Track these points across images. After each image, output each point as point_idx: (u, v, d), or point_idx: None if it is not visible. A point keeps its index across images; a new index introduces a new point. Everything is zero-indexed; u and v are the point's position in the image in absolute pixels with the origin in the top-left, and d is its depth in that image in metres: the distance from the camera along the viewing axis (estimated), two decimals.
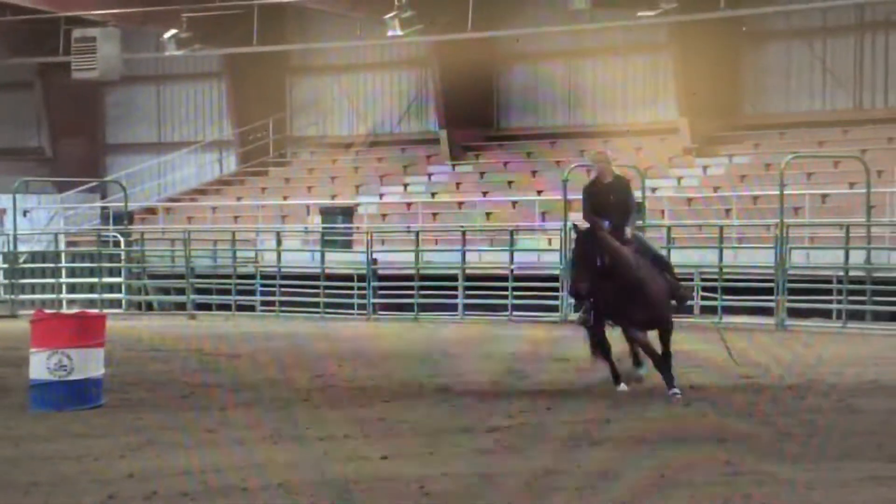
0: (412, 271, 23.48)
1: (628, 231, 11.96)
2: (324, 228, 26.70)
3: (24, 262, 26.82)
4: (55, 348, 10.89)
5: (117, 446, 9.15)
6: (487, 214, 27.07)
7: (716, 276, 20.95)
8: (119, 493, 7.50)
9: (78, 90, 33.04)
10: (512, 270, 22.63)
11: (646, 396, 11.80)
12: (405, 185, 29.52)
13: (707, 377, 13.13)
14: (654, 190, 25.16)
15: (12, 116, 35.48)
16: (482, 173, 29.02)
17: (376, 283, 23.59)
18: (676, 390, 11.59)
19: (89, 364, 11.01)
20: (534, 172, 28.21)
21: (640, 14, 25.74)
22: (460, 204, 27.81)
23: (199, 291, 25.10)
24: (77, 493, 7.54)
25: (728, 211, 24.33)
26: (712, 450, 8.95)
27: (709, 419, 10.52)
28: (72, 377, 10.89)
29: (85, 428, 9.97)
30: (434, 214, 27.34)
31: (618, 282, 11.69)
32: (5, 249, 27.53)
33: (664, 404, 11.32)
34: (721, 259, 21.15)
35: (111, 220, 29.40)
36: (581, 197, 12.45)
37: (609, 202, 12.03)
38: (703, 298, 20.76)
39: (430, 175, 29.68)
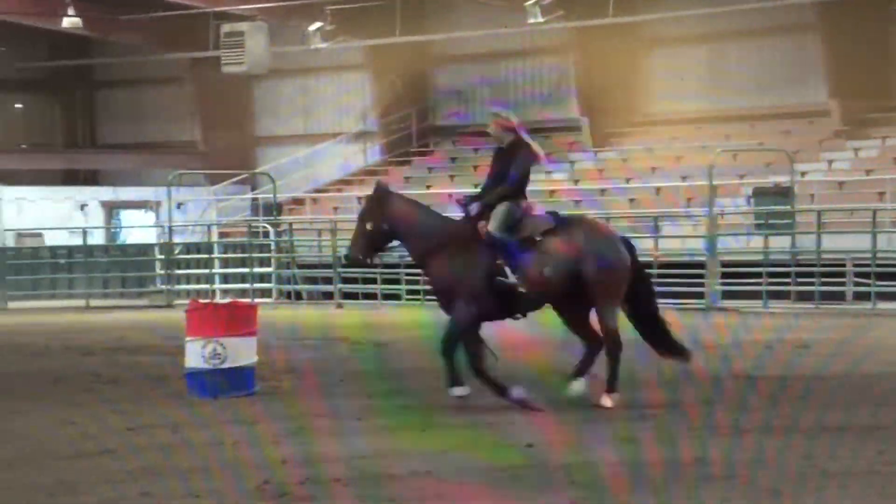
0: None
1: (474, 207, 10.44)
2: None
3: (179, 253, 27.50)
4: (210, 337, 11.16)
5: (270, 433, 9.32)
6: (631, 200, 26.88)
7: (869, 262, 20.45)
8: (273, 478, 7.64)
9: (227, 84, 33.73)
10: (656, 257, 22.40)
11: (798, 387, 11.59)
12: (548, 173, 29.47)
13: (846, 365, 12.85)
14: (803, 174, 24.66)
15: (166, 111, 36.44)
16: (624, 159, 28.82)
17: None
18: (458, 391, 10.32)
19: (242, 352, 11.25)
20: (678, 158, 27.90)
21: None
22: (603, 191, 27.66)
23: (346, 280, 25.43)
24: (234, 479, 7.69)
25: (881, 194, 23.72)
26: (863, 440, 8.76)
27: (861, 410, 10.29)
28: (226, 365, 11.15)
29: (239, 415, 10.18)
30: (576, 202, 27.25)
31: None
32: (161, 241, 28.30)
33: (820, 394, 11.10)
34: (874, 244, 20.63)
35: (261, 211, 29.99)
36: None
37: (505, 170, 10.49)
38: (857, 285, 20.29)
39: (572, 162, 29.59)
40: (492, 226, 10.36)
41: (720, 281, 21.54)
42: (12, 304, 25.84)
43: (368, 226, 10.78)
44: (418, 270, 24.32)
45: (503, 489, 7.43)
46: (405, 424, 9.66)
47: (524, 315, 10.71)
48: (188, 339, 11.33)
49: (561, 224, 10.50)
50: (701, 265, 21.65)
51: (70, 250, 27.90)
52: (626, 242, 10.70)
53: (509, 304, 10.46)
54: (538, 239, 10.38)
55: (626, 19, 27.69)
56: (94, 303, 26.30)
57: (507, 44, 31.30)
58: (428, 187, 30.45)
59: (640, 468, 7.99)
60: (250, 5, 30.55)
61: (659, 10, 28.17)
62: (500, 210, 10.42)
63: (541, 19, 27.38)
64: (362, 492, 7.37)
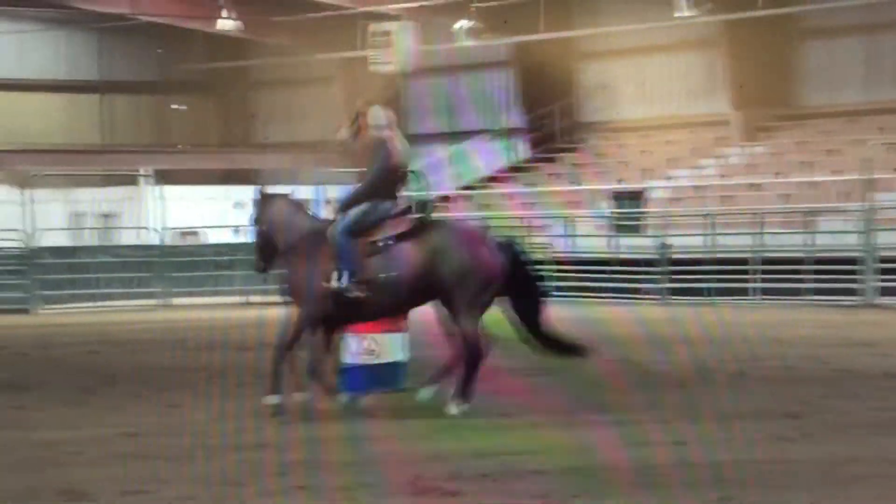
0: (705, 255, 23.16)
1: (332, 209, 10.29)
2: (614, 213, 26.66)
3: None
4: (363, 333, 11.33)
5: (421, 428, 9.45)
6: (782, 196, 26.39)
7: None
8: (424, 472, 7.74)
9: (375, 83, 34.14)
10: (811, 253, 22.00)
11: None
12: (695, 168, 29.13)
13: None
14: None
15: (317, 110, 37.06)
16: (776, 154, 28.30)
17: (668, 268, 23.40)
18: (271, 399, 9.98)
19: (394, 348, 11.40)
20: (831, 151, 27.29)
21: None
22: (753, 186, 27.21)
23: None
24: (385, 472, 7.82)
25: None
26: None
27: None
28: (378, 361, 11.31)
29: (390, 410, 10.32)
30: (725, 197, 26.87)
31: None
32: None
33: None
34: None
35: (413, 208, 30.25)
36: None
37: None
38: None
39: (721, 157, 29.18)
40: (332, 229, 10.08)
41: (878, 277, 21.02)
42: (174, 301, 26.61)
43: (258, 231, 10.61)
44: (566, 267, 24.44)
45: (651, 486, 7.41)
46: (553, 421, 9.67)
47: (373, 320, 10.39)
48: (344, 334, 11.51)
49: (418, 228, 10.10)
50: (856, 261, 21.15)
51: (228, 247, 28.57)
52: (505, 246, 10.27)
53: (355, 311, 10.15)
54: (389, 244, 10.02)
55: (777, 11, 27.19)
56: (250, 299, 26.92)
57: (654, 38, 31.01)
58: (571, 183, 30.35)
59: (790, 466, 7.86)
60: (398, 5, 30.87)
61: (812, 2, 27.60)
62: (353, 212, 10.12)
63: (689, 13, 27.07)
64: (510, 487, 7.40)
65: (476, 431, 9.31)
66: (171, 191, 31.82)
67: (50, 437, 9.33)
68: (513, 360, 13.91)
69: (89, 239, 30.23)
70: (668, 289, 23.33)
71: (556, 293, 24.17)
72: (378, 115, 10.30)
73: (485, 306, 10.12)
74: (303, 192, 33.09)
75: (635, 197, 27.69)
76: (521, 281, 10.23)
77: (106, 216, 32.42)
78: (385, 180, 10.20)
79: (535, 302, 10.31)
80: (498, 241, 10.30)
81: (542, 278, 10.84)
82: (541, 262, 24.94)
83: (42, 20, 35.79)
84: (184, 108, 37.78)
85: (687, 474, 7.68)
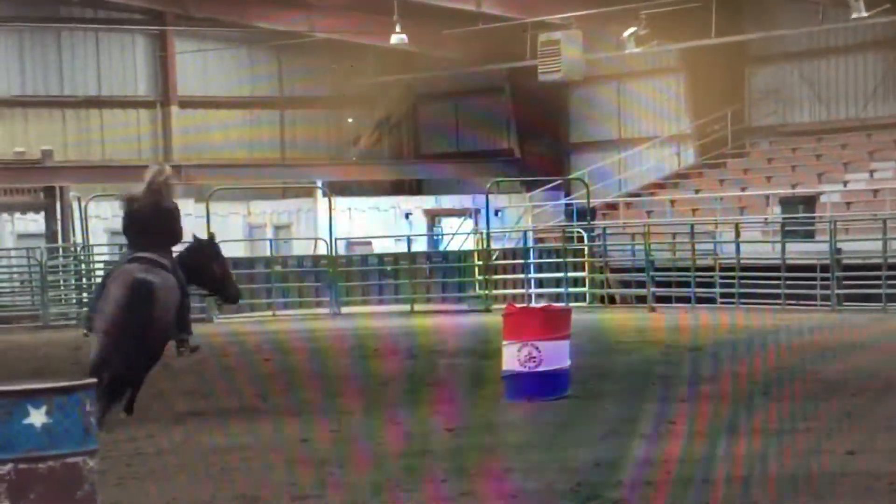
0: (879, 260, 22.46)
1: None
2: (784, 219, 26.10)
3: (496, 258, 28.03)
4: (525, 340, 11.35)
5: (584, 436, 9.39)
6: None
7: None
8: (587, 480, 7.69)
9: (543, 92, 34.12)
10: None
11: None
12: (871, 172, 28.30)
13: None
14: None
15: (483, 121, 37.28)
16: None
17: (841, 274, 22.76)
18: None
19: (557, 356, 11.38)
20: None
21: None
22: None
23: (659, 284, 25.22)
24: (549, 480, 7.80)
25: None
26: None
27: None
28: (541, 368, 11.31)
29: (553, 418, 10.30)
30: None
31: None
32: (479, 247, 28.93)
33: None
34: None
35: (574, 217, 30.17)
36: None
37: None
38: None
39: None
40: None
41: None
42: (344, 310, 27.07)
43: None
44: (732, 273, 24.01)
45: (820, 497, 7.24)
46: (719, 429, 9.51)
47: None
48: (505, 342, 11.56)
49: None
50: None
51: (396, 257, 28.92)
52: (133, 287, 10.57)
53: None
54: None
55: None
56: (417, 307, 27.20)
57: (827, 40, 30.26)
58: (743, 189, 29.82)
59: None
60: (566, 14, 30.77)
61: None
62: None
63: (865, 13, 26.22)
64: (674, 496, 7.32)
65: (641, 439, 9.22)
66: (343, 202, 32.39)
67: (225, 444, 9.56)
68: (679, 368, 13.76)
69: (265, 250, 30.97)
70: (841, 295, 22.71)
71: (724, 299, 23.98)
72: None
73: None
74: (469, 201, 33.43)
75: (807, 202, 27.00)
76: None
77: (282, 227, 33.21)
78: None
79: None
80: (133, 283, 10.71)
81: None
82: (708, 269, 24.69)
83: (225, 39, 36.87)
84: (351, 121, 38.45)
85: (858, 485, 7.47)
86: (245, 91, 37.51)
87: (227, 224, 31.64)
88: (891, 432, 9.22)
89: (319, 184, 32.42)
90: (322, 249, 28.82)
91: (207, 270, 11.66)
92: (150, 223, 10.97)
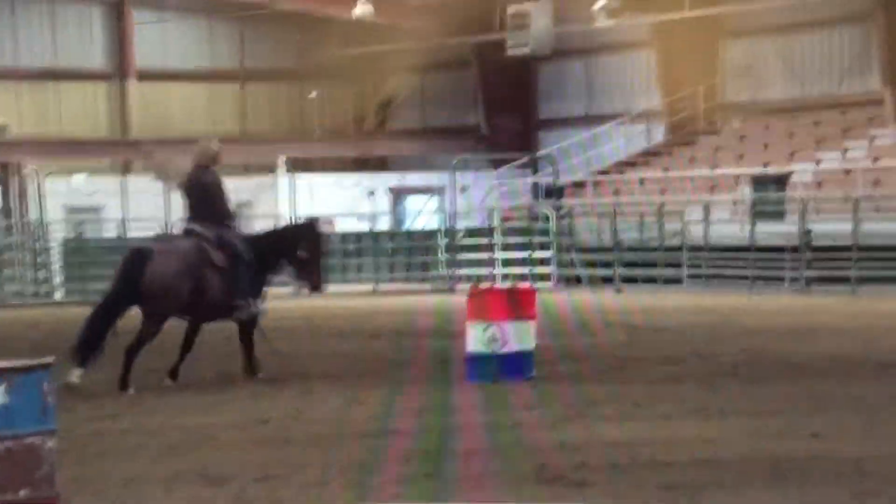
0: (849, 242, 22.74)
1: None
2: (755, 198, 26.32)
3: (462, 237, 28.12)
4: (489, 321, 11.48)
5: (548, 417, 9.52)
6: None
7: None
8: (550, 462, 7.82)
9: (511, 67, 34.11)
10: None
11: None
12: (844, 151, 28.54)
13: None
14: None
15: (451, 96, 37.24)
16: None
17: (810, 255, 23.03)
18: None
19: (521, 337, 11.52)
20: None
21: None
22: None
23: (626, 265, 25.41)
24: (512, 462, 7.92)
25: None
26: None
27: None
28: (505, 350, 11.44)
29: (517, 399, 10.42)
30: (875, 181, 26.28)
31: None
32: (444, 226, 29.02)
33: None
34: None
35: (542, 195, 30.29)
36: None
37: None
38: None
39: (872, 138, 28.50)
40: None
41: None
42: (305, 290, 27.08)
43: None
44: (700, 254, 24.19)
45: (785, 479, 7.37)
46: (686, 411, 9.68)
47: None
48: (469, 323, 11.68)
49: None
50: None
51: (359, 237, 28.96)
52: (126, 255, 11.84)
53: None
54: None
55: None
56: (380, 287, 27.29)
57: (803, 14, 30.27)
58: (713, 168, 30.00)
59: None
60: None
61: None
62: None
63: None
64: (638, 478, 7.44)
65: (605, 421, 9.36)
66: (305, 178, 32.33)
67: (188, 423, 9.68)
68: (645, 349, 13.96)
69: None
70: (810, 277, 22.98)
71: (692, 279, 24.19)
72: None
73: None
74: (434, 179, 33.46)
75: (778, 181, 27.21)
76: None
77: (242, 205, 33.06)
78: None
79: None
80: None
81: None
82: (676, 249, 24.90)
83: (185, 9, 36.59)
84: (319, 95, 38.28)
85: (824, 468, 7.62)
86: (205, 63, 37.29)
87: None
88: (856, 415, 9.39)
89: (281, 160, 32.31)
90: None
91: (287, 254, 12.09)
92: (192, 198, 12.02)
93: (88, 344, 11.37)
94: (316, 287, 12.30)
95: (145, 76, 36.13)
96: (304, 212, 29.99)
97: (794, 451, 8.06)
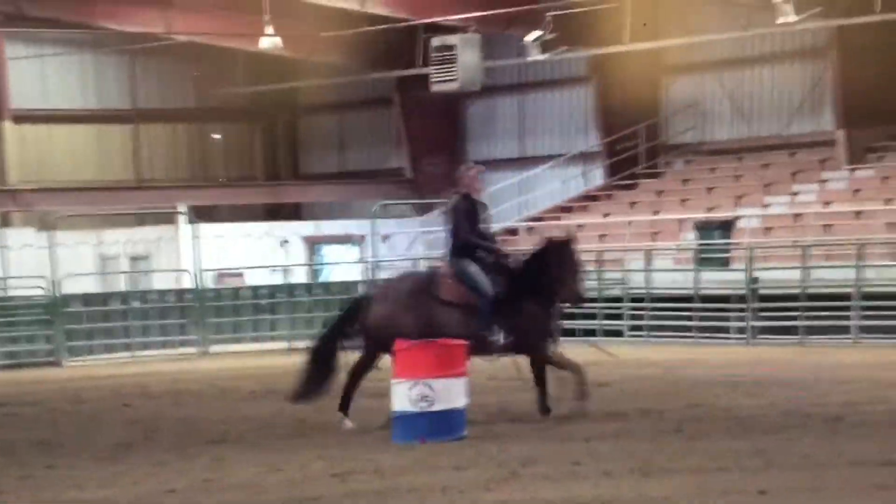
0: (798, 290, 23.36)
1: None
2: (699, 245, 26.84)
3: None
4: (417, 378, 11.79)
5: (481, 478, 9.83)
6: (892, 225, 26.41)
7: None
8: None
9: (437, 105, 34.36)
10: None
11: None
12: (794, 194, 29.15)
13: None
14: None
15: (371, 136, 37.38)
16: (886, 177, 28.26)
17: (757, 304, 23.61)
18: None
19: (452, 394, 11.84)
20: None
21: None
22: (858, 213, 27.24)
23: (564, 316, 25.73)
24: None
25: None
26: None
27: None
28: (434, 408, 11.75)
29: (449, 460, 10.73)
30: (826, 226, 26.94)
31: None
32: (366, 278, 29.27)
33: None
34: None
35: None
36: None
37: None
38: None
39: (823, 182, 29.13)
40: None
41: None
42: (214, 348, 27.24)
43: None
44: (642, 304, 24.47)
45: None
46: (628, 469, 10.04)
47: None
48: (394, 381, 11.99)
49: None
50: None
51: (271, 290, 29.12)
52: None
53: None
54: None
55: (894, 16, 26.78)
56: (297, 344, 27.42)
57: (752, 48, 30.74)
58: (655, 213, 30.44)
59: None
60: (462, 15, 30.55)
61: None
62: None
63: (794, 18, 26.45)
64: None
65: (542, 481, 9.69)
66: (209, 229, 32.38)
67: (82, 497, 9.79)
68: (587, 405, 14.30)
69: (121, 284, 30.92)
70: (757, 327, 23.55)
71: (633, 332, 24.58)
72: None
73: None
74: (354, 227, 33.66)
75: (724, 227, 27.72)
76: None
77: (138, 259, 33.03)
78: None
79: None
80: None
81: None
82: (616, 300, 25.28)
83: (67, 43, 36.17)
84: (222, 137, 38.30)
85: None
86: (92, 103, 36.96)
87: (75, 255, 31.44)
88: (804, 472, 9.81)
89: (181, 209, 32.28)
90: (186, 282, 28.93)
91: (541, 275, 13.12)
92: (448, 226, 13.54)
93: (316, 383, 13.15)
94: (572, 299, 13.54)
95: (23, 118, 35.36)
96: (211, 265, 30.11)
97: None
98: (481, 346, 12.96)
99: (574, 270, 13.20)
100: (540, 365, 13.16)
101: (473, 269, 13.08)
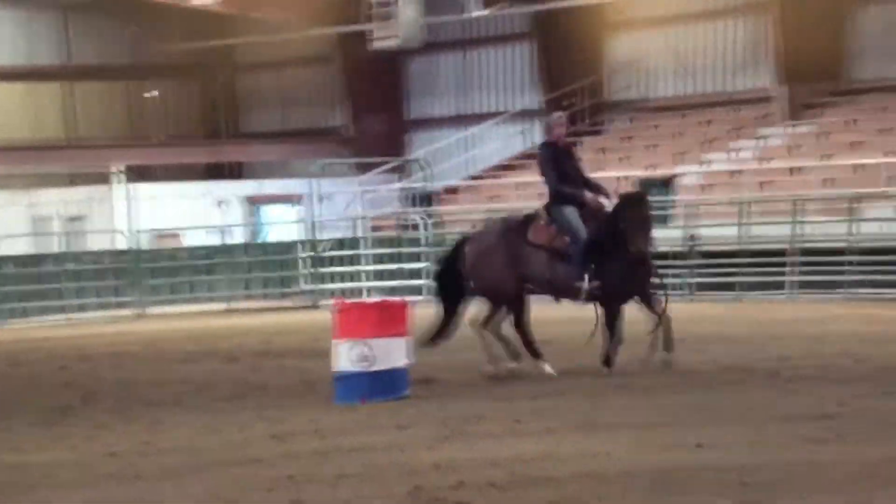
0: (736, 247, 23.59)
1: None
2: None
3: (325, 250, 28.36)
4: (357, 339, 11.82)
5: (423, 437, 9.90)
6: (828, 181, 26.68)
7: None
8: (426, 483, 8.17)
9: (377, 62, 34.30)
10: (855, 243, 22.43)
11: None
12: (732, 151, 29.37)
13: None
14: None
15: (311, 94, 37.27)
16: (822, 133, 28.52)
17: (695, 261, 23.82)
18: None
19: (393, 354, 11.88)
20: (883, 131, 27.55)
21: None
22: (796, 170, 27.47)
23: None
24: (385, 485, 8.24)
25: None
26: None
27: None
28: (375, 368, 11.79)
29: (390, 419, 10.78)
30: (764, 183, 27.15)
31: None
32: (305, 237, 29.23)
33: None
34: None
35: (413, 202, 30.63)
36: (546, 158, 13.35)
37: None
38: None
39: (761, 138, 29.39)
40: None
41: None
42: (151, 310, 27.13)
43: None
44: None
45: (668, 491, 7.86)
46: (570, 425, 10.16)
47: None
48: (335, 341, 12.00)
49: None
50: None
51: (209, 251, 29.01)
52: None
53: None
54: None
55: None
56: (235, 305, 27.40)
57: (694, 5, 30.94)
58: (598, 171, 30.56)
59: (821, 469, 8.29)
60: None
61: None
62: None
63: None
64: (519, 496, 7.84)
65: (485, 439, 9.77)
66: (146, 189, 32.19)
67: (20, 461, 9.76)
68: (527, 364, 14.42)
69: (55, 245, 30.68)
70: (696, 284, 23.76)
71: None
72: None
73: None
74: (295, 186, 33.59)
75: (664, 184, 27.91)
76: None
77: (73, 219, 32.80)
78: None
79: None
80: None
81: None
82: None
83: None
84: (159, 94, 37.99)
85: (707, 479, 8.11)
86: (22, 60, 36.61)
87: (6, 216, 31.21)
88: (742, 425, 9.96)
89: (116, 169, 32.04)
90: (122, 243, 28.76)
91: (609, 225, 13.18)
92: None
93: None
94: (640, 252, 13.24)
95: None
96: (147, 225, 29.94)
97: (678, 463, 8.57)
98: (567, 291, 13.20)
99: (639, 225, 13.24)
100: (612, 314, 13.25)
101: (569, 214, 13.21)
